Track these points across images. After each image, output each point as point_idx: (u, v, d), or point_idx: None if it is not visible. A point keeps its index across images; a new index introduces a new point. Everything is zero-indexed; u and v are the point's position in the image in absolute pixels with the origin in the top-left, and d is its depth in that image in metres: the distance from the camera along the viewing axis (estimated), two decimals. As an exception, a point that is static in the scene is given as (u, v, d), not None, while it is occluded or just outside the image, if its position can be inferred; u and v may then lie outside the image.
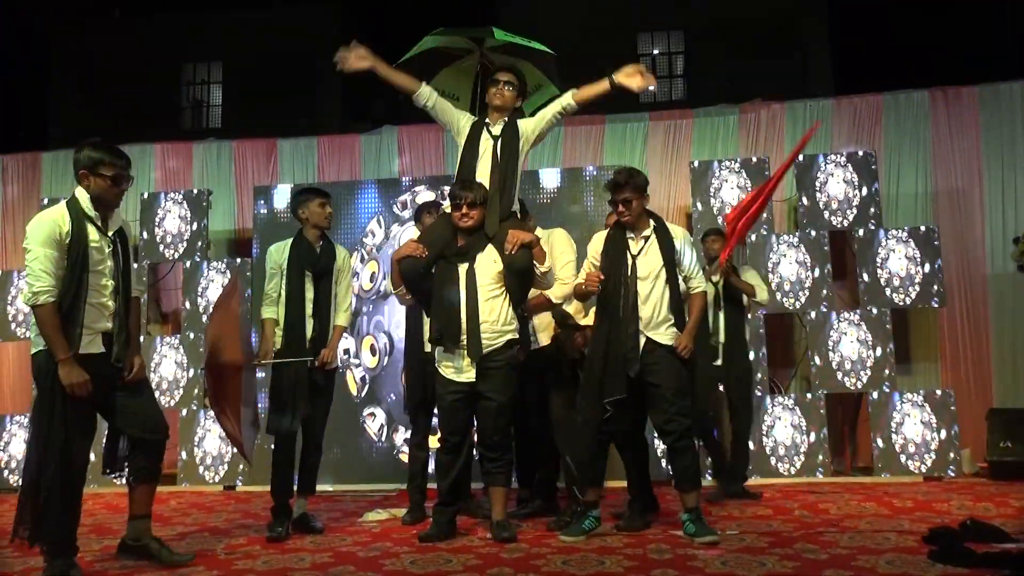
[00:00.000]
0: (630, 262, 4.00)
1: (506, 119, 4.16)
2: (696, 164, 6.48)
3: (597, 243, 4.15)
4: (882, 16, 13.98)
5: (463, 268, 3.99)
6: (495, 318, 3.96)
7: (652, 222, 4.09)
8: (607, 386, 3.91)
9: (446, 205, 4.19)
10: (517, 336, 4.08)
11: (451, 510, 4.06)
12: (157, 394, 6.35)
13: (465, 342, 3.93)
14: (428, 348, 4.37)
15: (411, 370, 4.79)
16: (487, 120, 4.19)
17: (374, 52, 4.09)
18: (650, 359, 3.92)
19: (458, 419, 4.00)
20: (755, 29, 13.96)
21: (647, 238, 4.05)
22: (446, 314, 3.97)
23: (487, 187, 4.07)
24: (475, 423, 4.14)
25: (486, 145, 4.15)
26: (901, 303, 6.13)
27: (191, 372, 6.49)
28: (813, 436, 5.92)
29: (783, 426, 5.97)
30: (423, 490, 4.69)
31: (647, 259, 4.01)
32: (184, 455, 6.36)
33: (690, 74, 15.16)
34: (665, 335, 3.95)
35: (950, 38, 13.01)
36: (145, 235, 6.76)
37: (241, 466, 6.26)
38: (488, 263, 4.00)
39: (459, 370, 3.99)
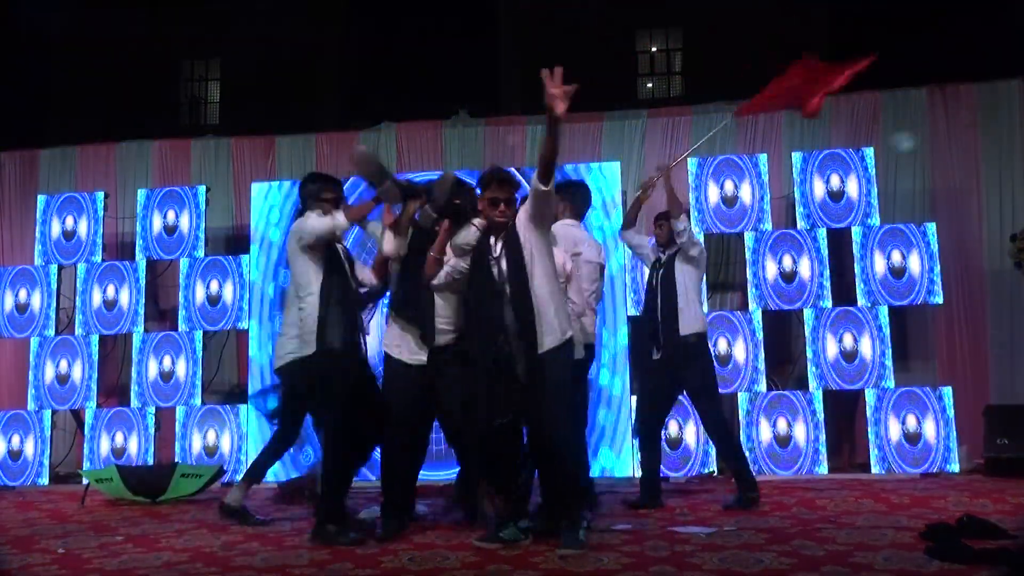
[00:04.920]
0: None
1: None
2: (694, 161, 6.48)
3: None
4: (880, 14, 13.98)
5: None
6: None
7: None
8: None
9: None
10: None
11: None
12: (153, 392, 6.46)
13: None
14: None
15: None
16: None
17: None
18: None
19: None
20: (753, 26, 13.95)
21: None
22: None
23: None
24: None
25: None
26: (898, 300, 6.13)
27: (186, 368, 6.49)
28: (810, 433, 5.93)
29: (780, 423, 5.97)
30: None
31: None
32: (180, 451, 6.37)
33: (688, 71, 15.14)
34: None
35: (948, 36, 13.01)
36: (144, 231, 6.77)
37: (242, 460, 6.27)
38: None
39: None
